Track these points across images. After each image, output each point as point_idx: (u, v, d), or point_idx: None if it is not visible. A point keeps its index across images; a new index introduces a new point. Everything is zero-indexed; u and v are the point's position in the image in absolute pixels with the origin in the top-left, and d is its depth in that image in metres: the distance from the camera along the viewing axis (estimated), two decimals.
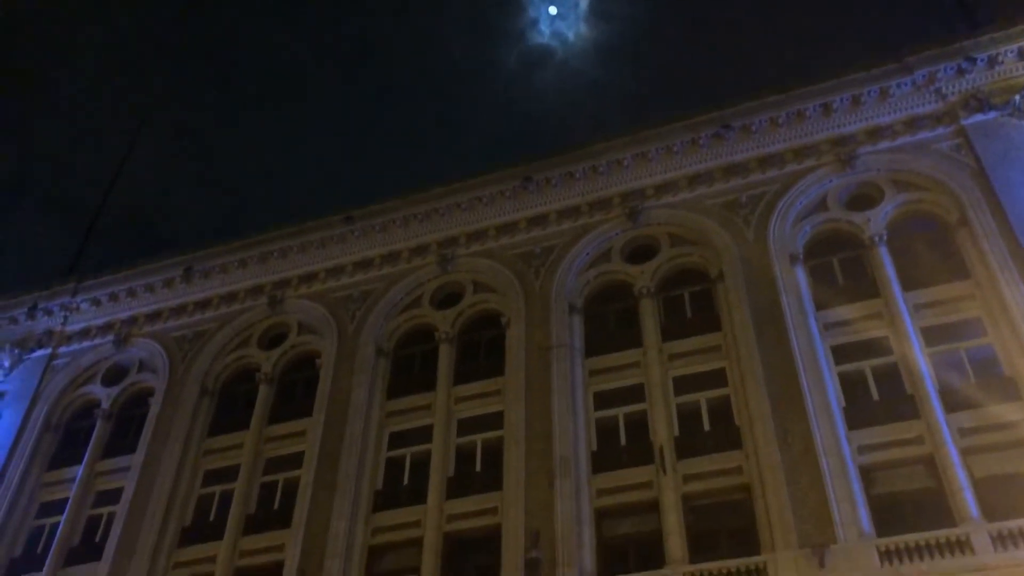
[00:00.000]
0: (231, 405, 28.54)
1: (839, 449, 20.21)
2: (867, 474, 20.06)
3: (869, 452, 20.34)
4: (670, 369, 23.61)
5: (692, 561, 19.92)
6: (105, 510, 27.14)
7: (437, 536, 22.66)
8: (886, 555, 18.35)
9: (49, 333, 32.14)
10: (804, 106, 26.46)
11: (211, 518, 25.73)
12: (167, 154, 65.43)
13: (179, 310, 31.04)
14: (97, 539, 26.44)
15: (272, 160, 73.77)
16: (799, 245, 24.51)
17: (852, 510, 19.24)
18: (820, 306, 23.18)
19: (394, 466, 25.00)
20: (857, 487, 19.66)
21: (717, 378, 23.02)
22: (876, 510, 19.45)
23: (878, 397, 21.30)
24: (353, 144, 69.81)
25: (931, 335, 21.76)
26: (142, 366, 30.43)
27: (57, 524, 27.21)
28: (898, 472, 20.13)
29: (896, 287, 22.63)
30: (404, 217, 29.60)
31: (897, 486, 19.97)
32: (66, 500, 27.70)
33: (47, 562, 26.20)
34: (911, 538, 18.40)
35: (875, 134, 25.62)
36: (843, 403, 21.27)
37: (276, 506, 25.26)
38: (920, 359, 21.15)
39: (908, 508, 19.45)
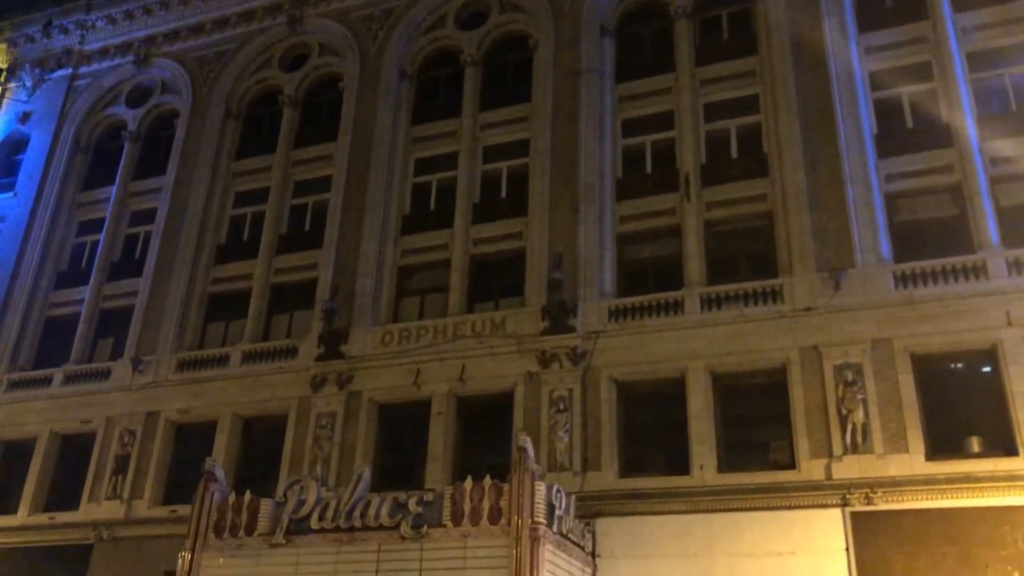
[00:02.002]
0: (256, 127, 28.47)
1: (866, 177, 20.11)
2: (892, 202, 20.08)
3: (896, 180, 20.21)
4: (701, 95, 22.97)
5: (710, 283, 20.55)
6: (141, 229, 28.02)
7: (463, 258, 23.35)
8: (901, 279, 18.79)
9: (68, 52, 31.59)
10: None
11: (245, 237, 26.55)
12: None
13: (197, 29, 30.13)
14: (136, 256, 27.57)
15: None
16: None
17: (873, 236, 19.48)
18: (863, 28, 21.98)
19: (421, 191, 25.25)
20: (880, 214, 19.76)
21: (749, 105, 22.42)
22: (897, 237, 19.66)
23: (912, 125, 20.83)
24: None
25: (976, 60, 20.80)
26: (165, 87, 30.11)
27: (97, 242, 28.28)
28: (923, 200, 20.10)
29: (946, 7, 21.33)
30: None
31: (920, 214, 20.04)
32: (103, 219, 28.55)
33: (91, 276, 27.54)
34: (927, 263, 18.73)
35: None
36: (875, 131, 20.85)
37: (307, 227, 25.92)
38: (961, 85, 20.40)
39: (929, 236, 19.61)
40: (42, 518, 23.88)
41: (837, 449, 17.58)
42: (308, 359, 22.92)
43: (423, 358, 21.80)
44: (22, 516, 24.10)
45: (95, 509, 23.33)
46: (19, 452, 25.39)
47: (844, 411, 17.86)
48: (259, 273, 25.41)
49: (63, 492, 24.29)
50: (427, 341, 22.03)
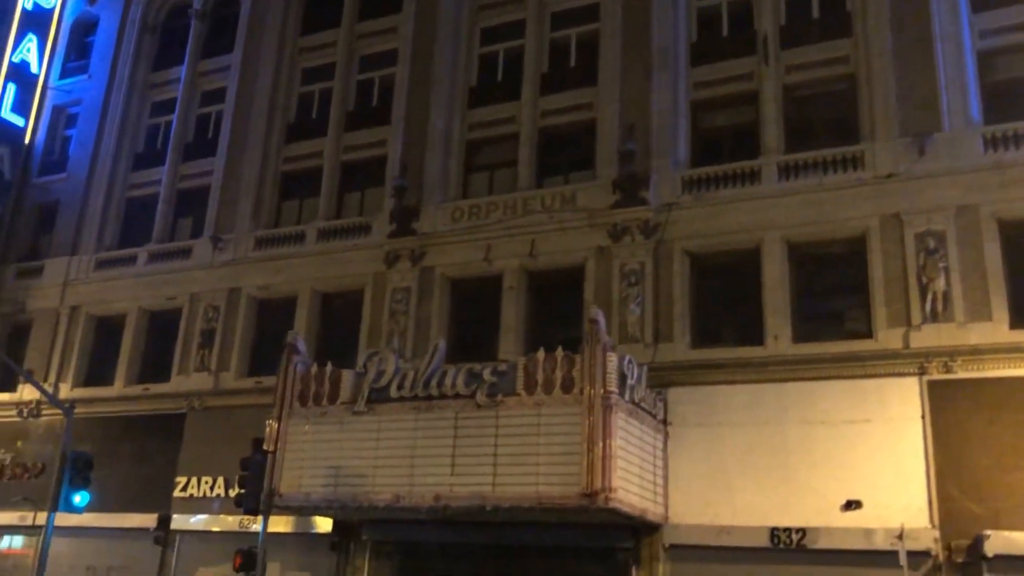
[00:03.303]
0: (321, 1, 27.99)
1: (958, 34, 18.89)
2: (984, 60, 18.90)
3: (991, 36, 18.94)
4: None
5: (788, 151, 19.90)
6: (213, 109, 28.21)
7: (532, 131, 22.98)
8: (991, 142, 17.91)
9: None
10: None
11: (313, 115, 26.55)
12: None
13: None
14: (209, 136, 27.89)
15: None
16: None
17: (962, 98, 18.48)
18: None
19: (487, 62, 24.71)
20: (971, 74, 18.65)
21: None
22: (988, 98, 18.59)
23: None
24: None
25: None
26: None
27: (171, 122, 28.63)
28: (1020, 58, 18.94)
29: None
30: None
31: (1015, 72, 18.84)
32: (175, 100, 28.81)
33: (167, 157, 28.04)
34: (1020, 125, 17.76)
35: None
36: None
37: (375, 103, 25.77)
38: None
39: (1022, 96, 18.57)
40: (137, 389, 25.23)
41: (916, 318, 17.27)
42: (381, 236, 23.21)
43: (493, 234, 21.85)
44: (118, 387, 25.48)
45: (185, 381, 24.49)
46: (111, 328, 26.66)
47: (924, 280, 17.44)
48: (329, 151, 25.52)
49: (155, 365, 25.52)
50: (497, 217, 22.03)
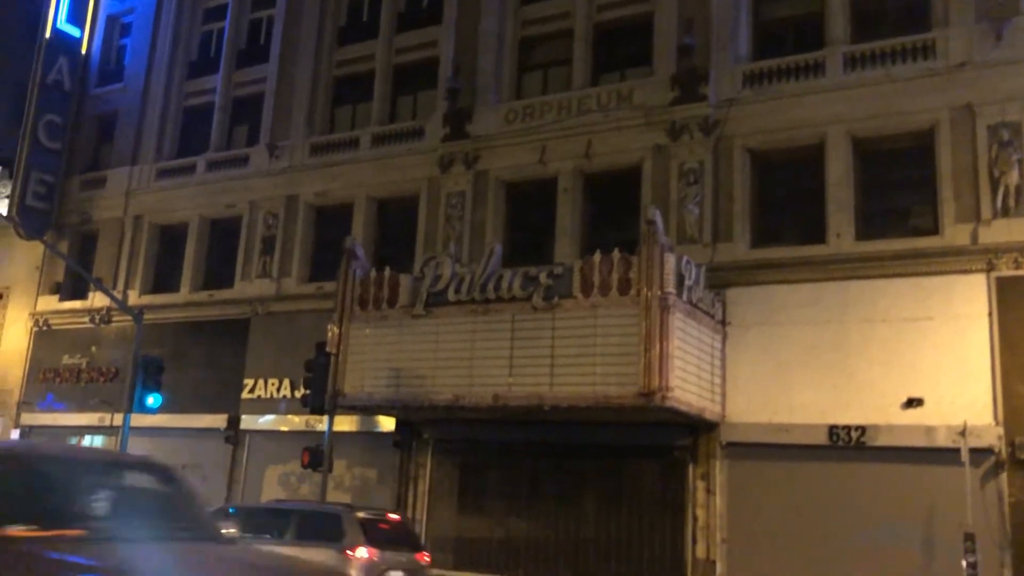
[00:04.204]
0: None
1: None
2: None
3: None
4: None
5: (854, 41, 19.09)
6: (264, 14, 27.93)
7: (587, 26, 22.34)
8: None
9: None
10: None
11: (364, 17, 26.14)
12: None
13: None
14: (262, 41, 27.70)
15: None
16: None
17: None
18: None
19: None
20: None
21: None
22: None
23: None
24: None
25: None
26: None
27: (223, 29, 28.49)
28: None
29: None
30: None
31: None
32: (226, 5, 28.58)
33: (221, 64, 28.00)
34: None
35: None
36: None
37: (425, 2, 25.27)
38: None
39: None
40: (202, 295, 25.87)
41: (986, 213, 16.70)
42: (435, 140, 23.05)
43: (548, 135, 21.54)
44: (184, 294, 26.17)
45: (248, 287, 25.01)
46: (175, 236, 27.24)
47: (996, 173, 16.79)
48: (381, 54, 25.20)
49: (218, 271, 26.10)
50: (551, 118, 21.67)
